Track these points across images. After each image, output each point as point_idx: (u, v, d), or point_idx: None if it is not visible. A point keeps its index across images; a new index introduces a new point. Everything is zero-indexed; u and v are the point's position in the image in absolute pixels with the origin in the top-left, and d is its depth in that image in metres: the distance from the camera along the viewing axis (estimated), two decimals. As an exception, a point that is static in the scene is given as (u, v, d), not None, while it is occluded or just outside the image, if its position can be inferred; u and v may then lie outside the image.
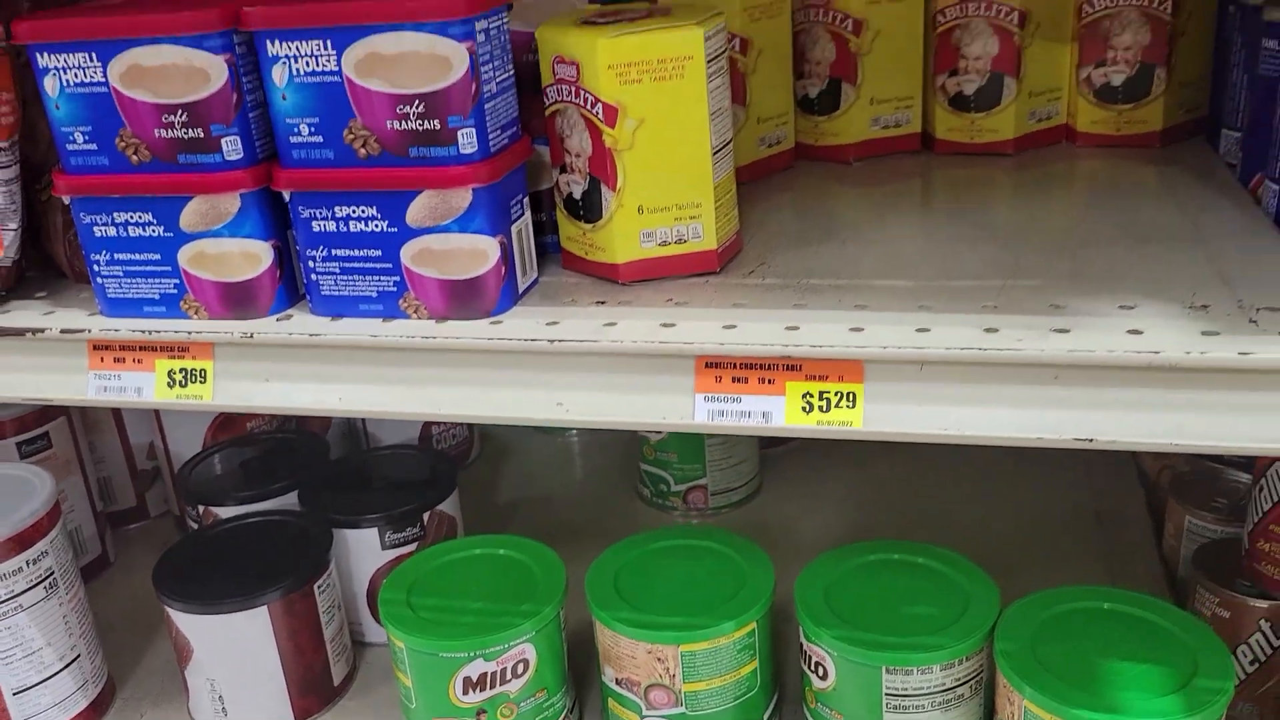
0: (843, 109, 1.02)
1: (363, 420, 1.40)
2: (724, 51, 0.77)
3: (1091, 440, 0.63)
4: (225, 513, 1.13)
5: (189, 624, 0.98)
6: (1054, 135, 1.03)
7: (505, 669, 0.90)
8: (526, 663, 0.91)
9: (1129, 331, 0.64)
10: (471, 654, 0.89)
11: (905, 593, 0.89)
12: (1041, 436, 0.64)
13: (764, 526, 1.26)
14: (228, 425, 1.29)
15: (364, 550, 1.08)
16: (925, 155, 1.04)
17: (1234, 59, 0.93)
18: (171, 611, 0.99)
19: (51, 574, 0.98)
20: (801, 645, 0.89)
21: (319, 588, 1.01)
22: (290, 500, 1.13)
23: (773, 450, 1.42)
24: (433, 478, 1.14)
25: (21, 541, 0.95)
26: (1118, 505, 1.26)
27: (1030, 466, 1.34)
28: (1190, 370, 0.61)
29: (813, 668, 0.88)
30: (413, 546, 1.09)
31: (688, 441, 1.28)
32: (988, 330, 0.66)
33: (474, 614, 0.92)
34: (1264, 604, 0.97)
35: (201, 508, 1.15)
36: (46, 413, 1.20)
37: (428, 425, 1.40)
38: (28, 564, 0.96)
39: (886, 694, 0.84)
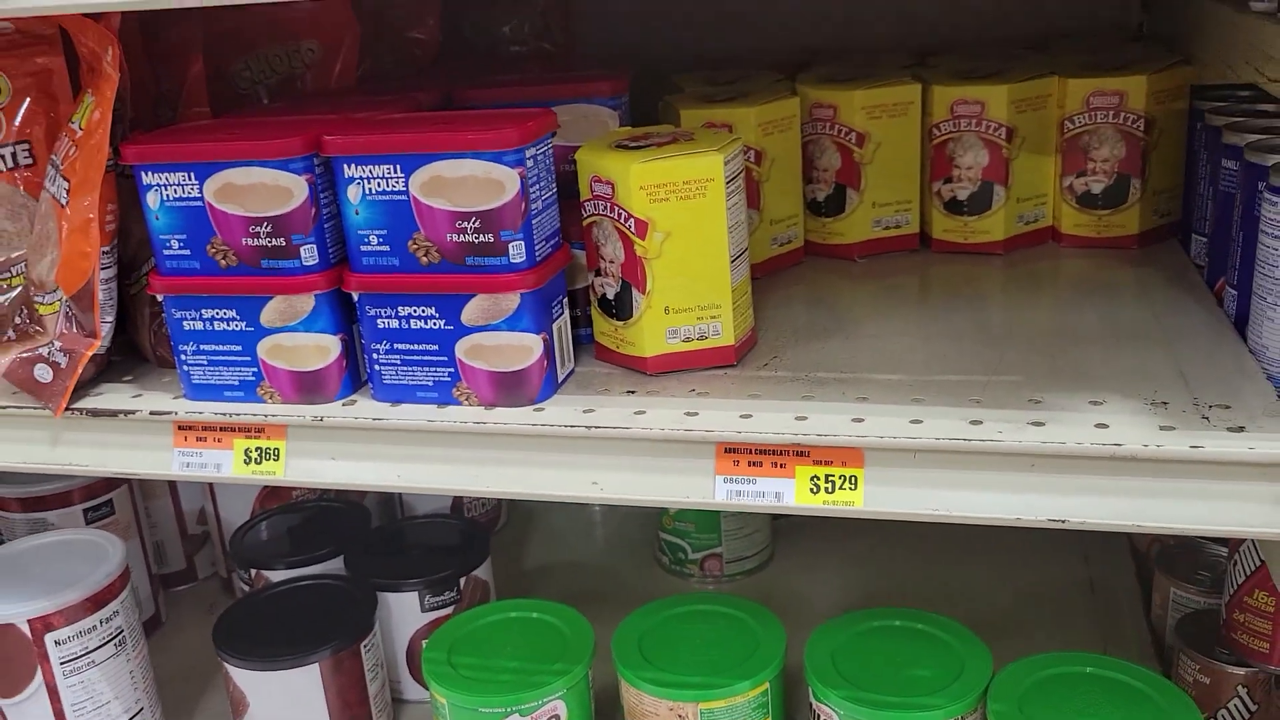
0: (848, 211, 1.12)
1: (399, 489, 1.49)
2: (741, 171, 0.87)
3: (1064, 522, 0.72)
4: (275, 576, 1.22)
5: (246, 679, 1.06)
6: (1040, 236, 1.13)
7: (538, 724, 0.99)
8: (558, 718, 0.99)
9: (1096, 425, 0.73)
10: (508, 709, 0.97)
11: (906, 656, 0.97)
12: (1019, 518, 0.73)
13: (776, 593, 1.34)
14: (275, 493, 1.38)
15: (405, 613, 1.17)
16: (923, 253, 1.14)
17: (1201, 171, 1.04)
18: (229, 667, 1.07)
19: (121, 632, 1.07)
20: (811, 704, 0.97)
21: (365, 647, 1.09)
22: (335, 565, 1.22)
23: (784, 521, 1.50)
24: (468, 545, 1.23)
25: (96, 602, 1.04)
26: (1110, 577, 1.34)
27: (1028, 538, 1.42)
28: (1148, 461, 0.70)
29: (821, 725, 0.96)
30: (450, 609, 1.17)
31: (704, 512, 1.36)
32: (973, 422, 0.75)
33: (510, 672, 1.00)
34: (1241, 671, 1.04)
35: (253, 571, 1.24)
36: (111, 481, 1.30)
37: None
38: (100, 623, 1.05)
39: (888, 750, 0.92)
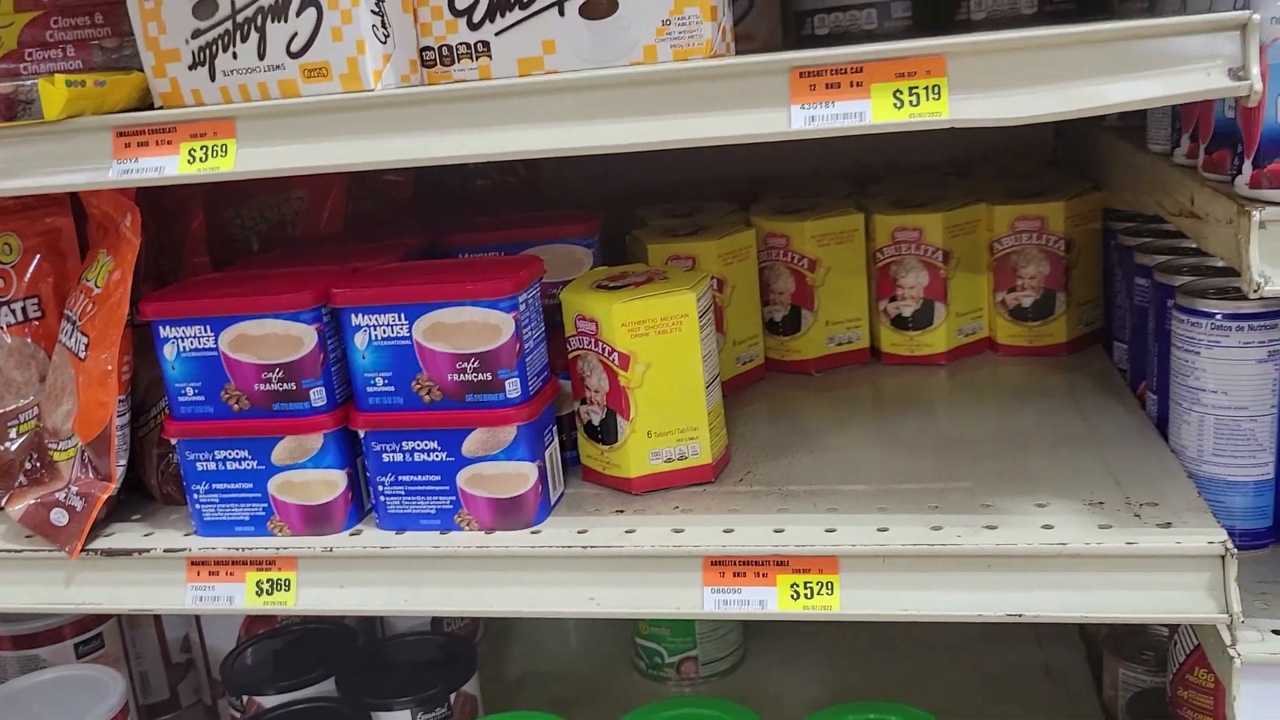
0: (803, 330, 1.22)
1: (379, 607, 1.53)
2: (710, 305, 0.96)
3: (1020, 615, 0.80)
4: (267, 701, 1.25)
5: (248, 805, 1.09)
6: (979, 346, 1.23)
7: (538, 833, 1.03)
8: (556, 826, 1.04)
9: (1043, 526, 0.82)
10: (509, 821, 1.01)
11: (881, 747, 1.04)
12: (981, 614, 0.81)
13: (751, 692, 1.39)
14: (260, 618, 1.41)
15: (398, 730, 1.20)
16: (874, 365, 1.24)
17: (1117, 285, 1.15)
18: (232, 795, 1.10)
19: (123, 764, 1.10)
20: (796, 799, 1.03)
21: (363, 767, 1.13)
22: (327, 686, 1.26)
23: (755, 622, 1.56)
24: (455, 660, 1.27)
25: (101, 737, 1.07)
26: (1063, 661, 1.41)
27: (986, 628, 1.50)
28: (1090, 557, 0.78)
29: (807, 818, 1.02)
30: (441, 725, 1.21)
31: (680, 619, 1.42)
32: (934, 528, 0.83)
33: (508, 785, 1.04)
34: (1189, 744, 1.12)
35: (245, 697, 1.26)
36: (101, 615, 1.32)
37: (439, 610, 1.53)
38: (104, 757, 1.08)
39: (871, 838, 0.98)
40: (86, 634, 1.30)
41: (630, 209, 1.33)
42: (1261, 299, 0.86)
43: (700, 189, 1.51)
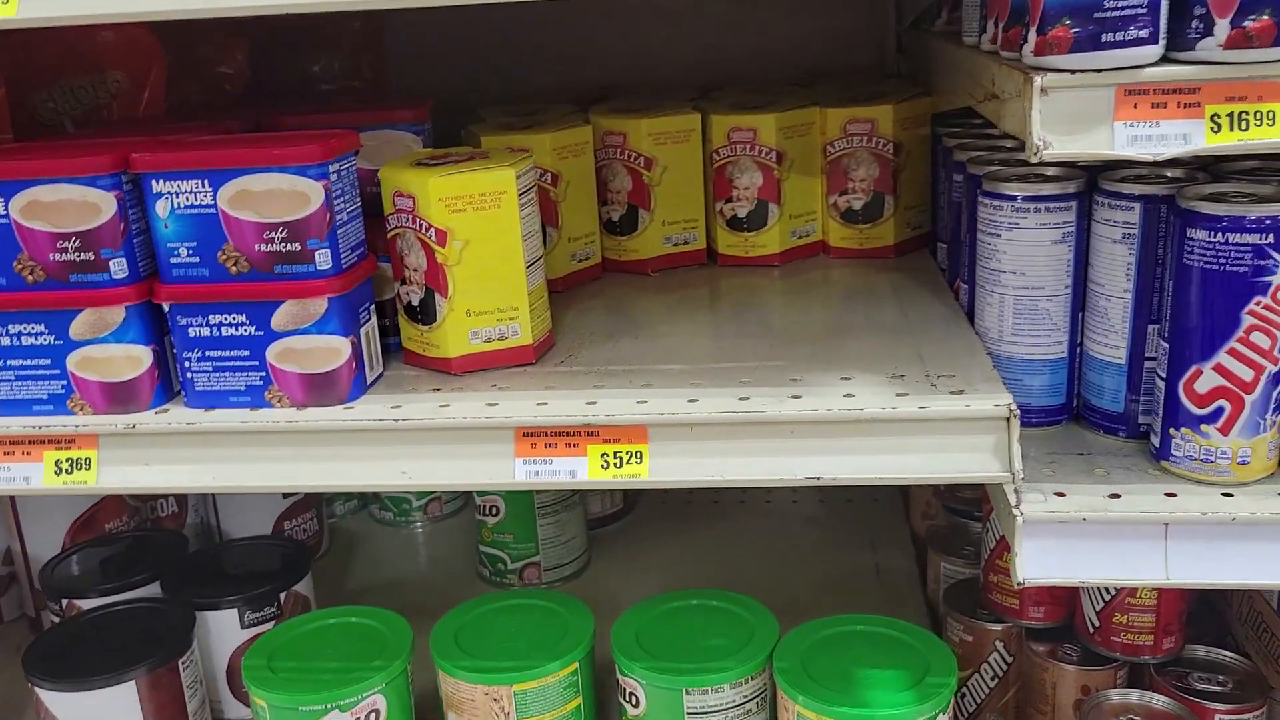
0: (640, 230, 1.22)
1: (216, 517, 1.49)
2: (533, 186, 0.95)
3: (819, 478, 0.82)
4: (88, 605, 1.21)
5: (58, 703, 1.06)
6: (813, 249, 1.25)
7: (359, 718, 1.02)
8: (378, 713, 1.03)
9: (844, 395, 0.84)
10: (328, 706, 1.01)
11: (702, 629, 1.06)
12: (781, 478, 0.83)
13: (594, 595, 1.40)
14: (87, 525, 1.37)
15: (224, 630, 1.18)
16: (710, 267, 1.25)
17: (941, 188, 1.18)
18: (41, 693, 1.06)
19: (-77, 664, 1.05)
20: (617, 680, 1.05)
21: (183, 663, 1.10)
22: (153, 590, 1.23)
23: (601, 530, 1.58)
24: (287, 563, 1.26)
25: (-104, 633, 1.02)
26: (892, 560, 1.47)
27: (824, 531, 1.55)
28: (885, 421, 0.81)
29: (627, 698, 1.04)
30: (270, 625, 1.19)
31: (521, 523, 1.43)
32: (741, 399, 0.85)
33: (329, 672, 1.04)
34: (998, 627, 1.17)
35: (65, 602, 1.22)
36: (-93, 519, 1.26)
37: (280, 520, 1.50)
38: (-99, 654, 1.03)
39: (688, 713, 1.00)
40: (-109, 539, 1.24)
41: (469, 113, 1.31)
42: (1057, 181, 0.90)
43: (548, 97, 1.49)
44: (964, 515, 1.39)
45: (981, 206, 0.93)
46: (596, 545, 1.54)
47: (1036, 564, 0.81)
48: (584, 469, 0.85)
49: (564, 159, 1.15)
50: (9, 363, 0.90)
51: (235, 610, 1.18)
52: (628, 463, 0.84)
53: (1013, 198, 0.90)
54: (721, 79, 1.49)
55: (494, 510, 1.43)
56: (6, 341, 0.90)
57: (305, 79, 1.52)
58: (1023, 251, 0.90)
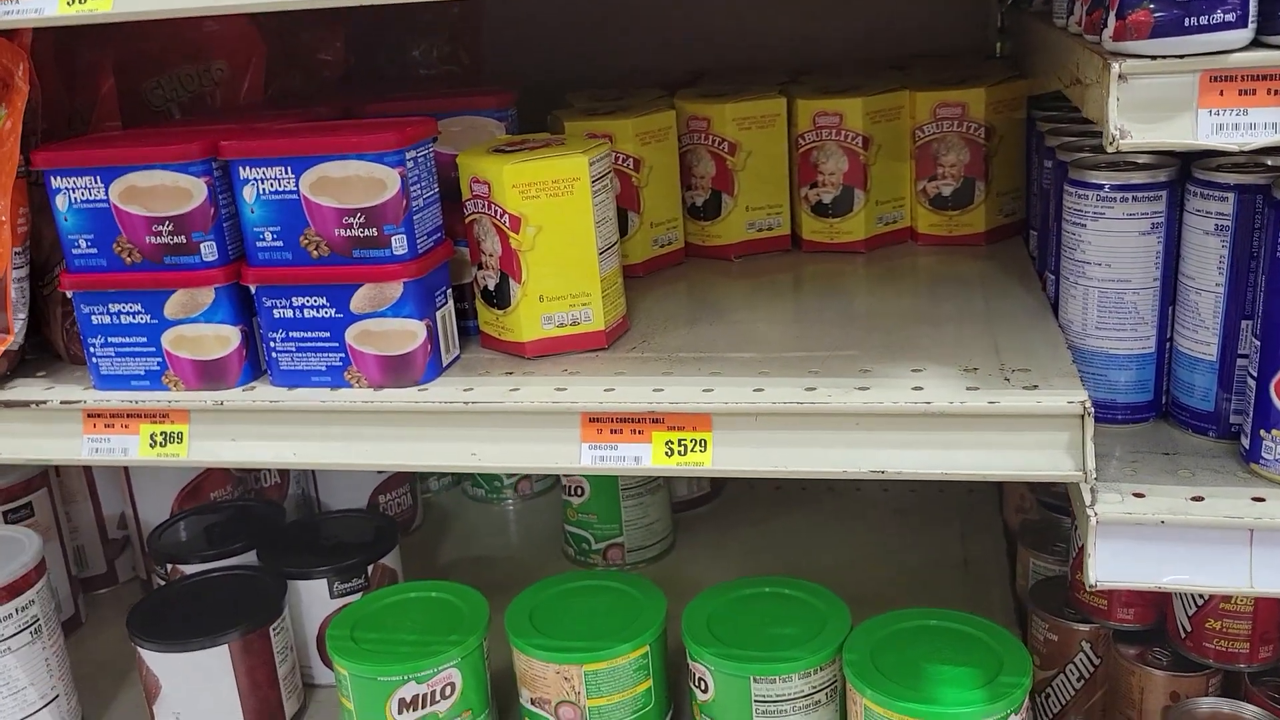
0: (723, 215, 1.22)
1: (315, 489, 1.55)
2: (608, 172, 0.96)
3: (883, 472, 0.81)
4: (190, 570, 1.27)
5: (158, 662, 1.12)
6: (900, 236, 1.23)
7: (434, 691, 1.05)
8: (453, 685, 1.06)
9: (913, 388, 0.82)
10: (405, 677, 1.04)
11: (773, 618, 1.06)
12: (846, 470, 0.82)
13: (674, 578, 1.42)
14: (194, 494, 1.43)
15: (314, 599, 1.23)
16: (794, 253, 1.24)
17: (1034, 174, 1.15)
18: (142, 652, 1.12)
19: (37, 621, 1.12)
20: (688, 664, 1.05)
21: (274, 630, 1.15)
22: (250, 558, 1.28)
23: (687, 513, 1.58)
24: (377, 536, 1.30)
25: (12, 590, 1.09)
26: (983, 553, 1.44)
27: (912, 522, 1.52)
28: (953, 415, 0.79)
29: (696, 683, 1.04)
30: (358, 596, 1.23)
31: (606, 504, 1.44)
32: (808, 389, 0.84)
33: (408, 644, 1.07)
34: (1084, 627, 1.14)
35: (169, 566, 1.29)
36: (30, 484, 1.34)
37: (375, 494, 1.55)
38: (17, 611, 1.10)
39: (755, 701, 1.00)
40: (15, 502, 1.33)
41: (559, 97, 1.32)
42: (1146, 169, 0.86)
43: (642, 81, 1.49)
44: (1058, 510, 1.35)
45: (1067, 195, 0.90)
46: (681, 528, 1.54)
47: (1111, 566, 0.79)
48: (648, 456, 0.85)
49: (647, 144, 1.16)
50: (109, 340, 0.95)
51: (325, 580, 1.23)
52: (692, 451, 0.85)
53: (1099, 186, 0.87)
54: (817, 62, 1.47)
55: (579, 491, 1.45)
56: (107, 320, 0.94)
57: (404, 64, 1.55)
58: (1109, 242, 0.87)
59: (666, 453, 0.85)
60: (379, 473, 1.53)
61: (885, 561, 1.44)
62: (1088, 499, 0.79)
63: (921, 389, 0.82)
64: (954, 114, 1.17)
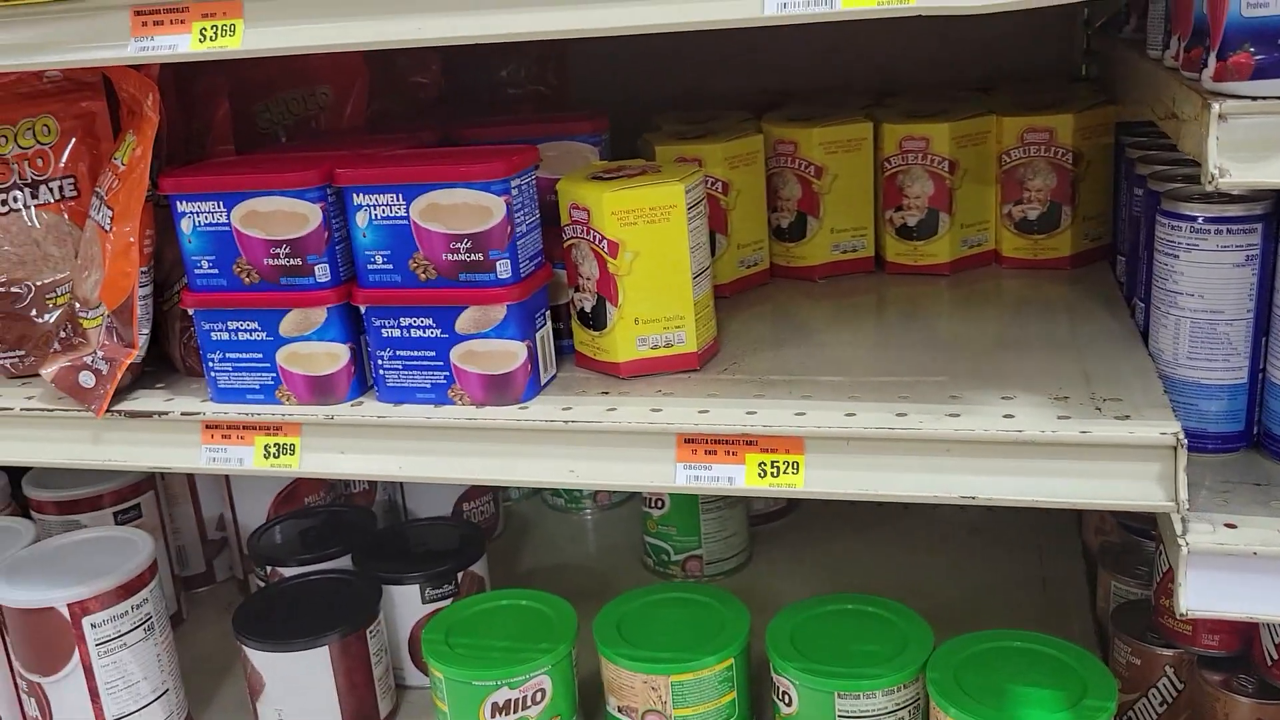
0: (809, 237, 1.24)
1: (402, 496, 1.60)
2: (703, 199, 0.99)
3: (974, 498, 0.83)
4: (288, 572, 1.33)
5: (262, 661, 1.17)
6: (984, 259, 1.24)
7: (526, 696, 1.09)
8: (544, 691, 1.10)
9: (1004, 416, 0.84)
10: (498, 683, 1.08)
11: (856, 635, 1.08)
12: (936, 495, 0.84)
13: (752, 590, 1.44)
14: (290, 498, 1.49)
15: (406, 604, 1.28)
16: (878, 275, 1.26)
17: (1123, 199, 1.15)
18: (248, 650, 1.18)
19: (150, 619, 1.18)
20: (772, 678, 1.08)
21: (370, 633, 1.20)
22: (344, 562, 1.33)
23: (764, 526, 1.60)
24: (465, 543, 1.34)
25: (128, 589, 1.15)
26: (1062, 574, 1.44)
27: (989, 540, 1.53)
28: (1044, 444, 0.81)
29: (780, 696, 1.06)
30: (448, 602, 1.28)
31: (685, 516, 1.47)
32: (899, 415, 0.86)
33: (501, 650, 1.11)
34: (1168, 652, 1.14)
35: (269, 568, 1.35)
36: (139, 486, 1.41)
37: (460, 501, 1.59)
38: (132, 609, 1.16)
39: (839, 716, 1.02)
40: (125, 504, 1.39)
41: (646, 118, 1.36)
42: (1241, 202, 0.87)
43: (726, 102, 1.52)
44: (1139, 533, 1.35)
45: (1160, 226, 0.91)
46: (758, 542, 1.57)
47: (1202, 596, 0.80)
48: (742, 477, 0.88)
49: (735, 168, 1.18)
50: (227, 355, 1.00)
51: (417, 586, 1.27)
52: (784, 473, 0.87)
53: (1193, 218, 0.88)
54: (902, 82, 1.49)
55: (659, 503, 1.48)
56: (226, 336, 1.00)
57: (493, 84, 1.60)
58: (1202, 274, 0.88)
59: (759, 474, 0.88)
60: (464, 481, 1.58)
61: (963, 580, 1.45)
62: (1179, 529, 0.80)
63: (1012, 416, 0.84)
64: (1041, 139, 1.18)
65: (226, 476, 1.48)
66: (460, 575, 1.29)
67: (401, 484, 1.60)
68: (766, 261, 1.25)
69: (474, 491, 1.60)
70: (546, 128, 1.13)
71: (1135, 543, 1.34)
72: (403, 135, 1.13)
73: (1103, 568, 1.31)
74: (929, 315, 1.11)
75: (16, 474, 1.45)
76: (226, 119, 1.14)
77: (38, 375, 1.13)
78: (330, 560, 1.33)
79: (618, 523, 1.69)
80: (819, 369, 0.98)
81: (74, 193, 1.13)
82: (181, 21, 0.88)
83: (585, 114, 1.15)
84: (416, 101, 1.41)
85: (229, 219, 0.96)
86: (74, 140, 1.13)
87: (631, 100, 1.55)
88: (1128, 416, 0.82)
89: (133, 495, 1.40)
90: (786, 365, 0.99)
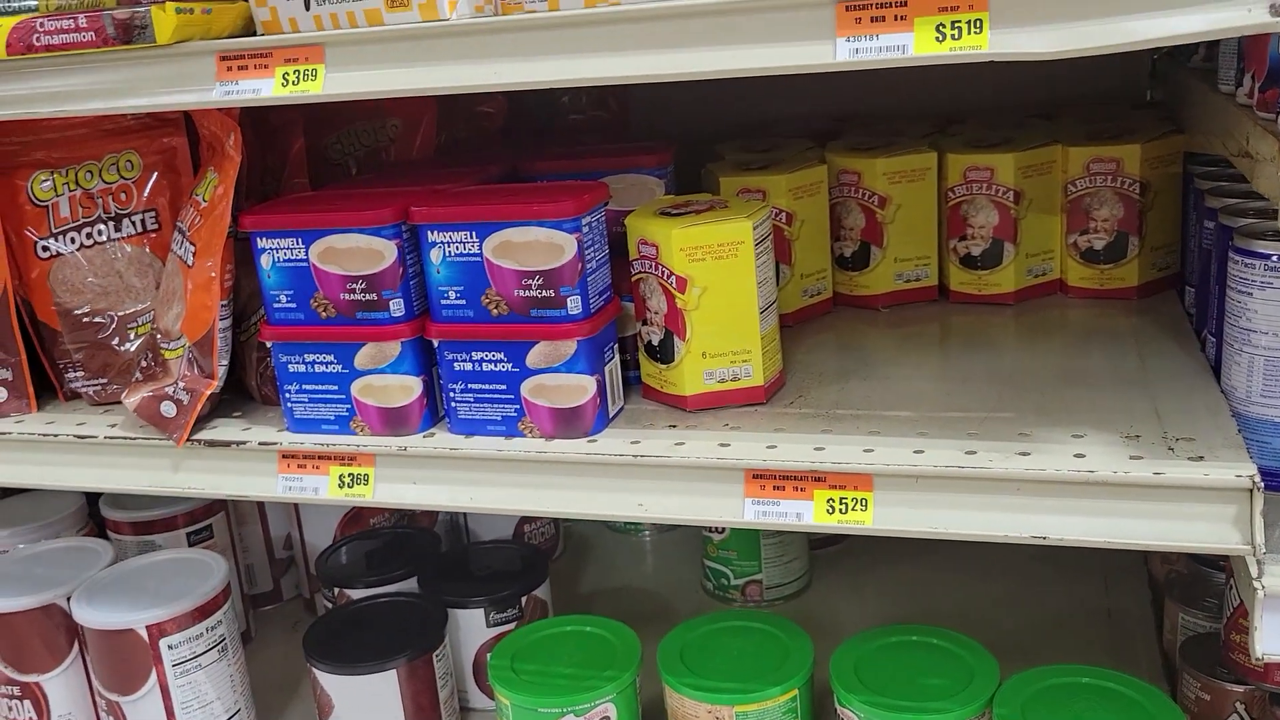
0: (872, 266, 1.24)
1: (465, 517, 1.62)
2: (770, 234, 1.00)
3: (1044, 538, 0.83)
4: (355, 594, 1.35)
5: (332, 683, 1.19)
6: (1049, 288, 1.24)
7: (591, 724, 1.10)
8: (609, 719, 1.11)
9: (1075, 455, 0.84)
10: (564, 710, 1.09)
11: (922, 667, 1.08)
12: (1007, 535, 0.84)
13: (812, 616, 1.45)
14: (355, 520, 1.52)
15: (471, 627, 1.29)
16: (941, 304, 1.26)
17: (1192, 230, 1.14)
18: (317, 672, 1.20)
19: (224, 640, 1.21)
20: (836, 709, 1.08)
21: (437, 656, 1.22)
22: (409, 584, 1.35)
23: (822, 551, 1.60)
24: (528, 567, 1.36)
25: (204, 611, 1.18)
26: (1127, 605, 1.42)
27: (1053, 569, 1.51)
28: (1116, 485, 0.81)
29: (844, 728, 1.07)
30: (512, 625, 1.29)
31: (746, 541, 1.48)
32: (968, 452, 0.86)
33: (566, 678, 1.12)
34: (1239, 688, 1.13)
35: (336, 590, 1.37)
36: (211, 508, 1.45)
37: (521, 523, 1.61)
38: (207, 630, 1.19)
39: (904, 750, 1.02)
40: (197, 525, 1.43)
41: (706, 146, 1.37)
42: (1317, 241, 0.86)
43: (785, 128, 1.53)
44: (1208, 564, 1.33)
45: (1232, 263, 0.90)
46: (816, 567, 1.57)
47: (1278, 640, 0.79)
48: (810, 513, 0.88)
49: (799, 199, 1.19)
50: (303, 387, 1.03)
51: (482, 610, 1.29)
52: (853, 509, 0.88)
53: (1266, 256, 0.87)
54: (963, 107, 1.48)
55: (720, 529, 1.49)
56: (302, 368, 1.02)
57: (555, 111, 1.62)
58: (1275, 312, 0.87)
59: (828, 510, 0.88)
60: (525, 503, 1.59)
61: (1026, 609, 1.43)
62: (1254, 571, 0.79)
63: (1084, 456, 0.83)
64: (1108, 169, 1.17)
65: (294, 498, 1.51)
66: (524, 599, 1.31)
67: (463, 505, 1.62)
68: (829, 291, 1.26)
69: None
70: (612, 161, 1.15)
71: (1203, 574, 1.32)
72: (471, 169, 1.15)
73: (1170, 599, 1.29)
74: (995, 346, 1.11)
75: (93, 495, 1.49)
76: (302, 153, 1.18)
77: (119, 403, 1.16)
78: (396, 583, 1.35)
79: (676, 546, 1.70)
80: (885, 403, 0.98)
81: (155, 225, 1.17)
82: (265, 66, 0.90)
83: (650, 147, 1.17)
84: (482, 131, 1.44)
85: (307, 255, 0.98)
86: (156, 175, 1.16)
87: (689, 126, 1.57)
88: (1201, 457, 0.82)
89: (205, 516, 1.44)
90: (852, 399, 1.00)
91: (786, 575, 1.50)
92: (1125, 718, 0.98)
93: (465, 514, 1.62)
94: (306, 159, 1.21)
